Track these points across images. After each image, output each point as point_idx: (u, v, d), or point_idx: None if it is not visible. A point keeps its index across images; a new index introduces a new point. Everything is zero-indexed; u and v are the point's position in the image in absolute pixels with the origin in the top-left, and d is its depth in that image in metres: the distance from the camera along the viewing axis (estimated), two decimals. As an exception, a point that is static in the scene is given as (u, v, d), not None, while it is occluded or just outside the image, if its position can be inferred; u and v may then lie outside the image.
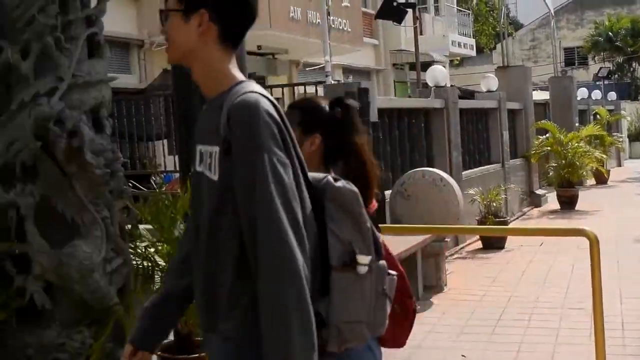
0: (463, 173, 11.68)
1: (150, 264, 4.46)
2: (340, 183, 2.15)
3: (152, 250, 4.44)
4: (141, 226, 4.56)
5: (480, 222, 11.02)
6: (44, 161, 3.61)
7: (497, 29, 33.08)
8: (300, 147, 2.53)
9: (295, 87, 12.03)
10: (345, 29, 21.33)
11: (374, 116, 8.60)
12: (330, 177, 2.17)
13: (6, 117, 3.72)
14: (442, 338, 6.44)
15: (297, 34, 18.60)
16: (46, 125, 3.53)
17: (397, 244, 6.96)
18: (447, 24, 28.94)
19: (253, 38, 13.66)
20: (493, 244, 10.58)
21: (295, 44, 19.33)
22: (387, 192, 8.65)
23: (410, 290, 2.78)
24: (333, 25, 19.61)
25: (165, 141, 13.54)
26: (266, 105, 2.03)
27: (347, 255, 2.10)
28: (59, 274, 3.67)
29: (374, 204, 2.80)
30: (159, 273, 4.49)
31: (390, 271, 2.25)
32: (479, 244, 10.91)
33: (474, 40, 33.07)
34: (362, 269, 2.10)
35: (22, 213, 3.65)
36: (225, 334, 2.08)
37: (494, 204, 11.13)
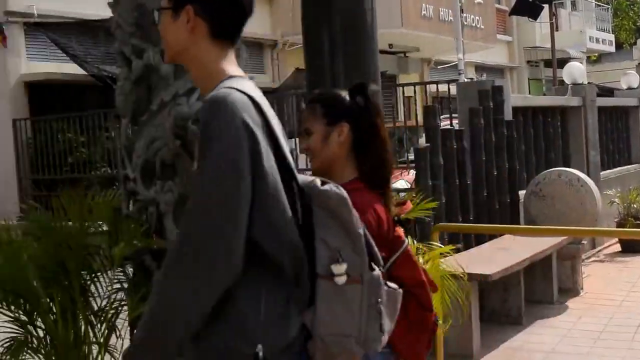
0: (601, 173, 11.28)
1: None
2: (328, 186, 1.98)
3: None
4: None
5: (619, 225, 10.60)
6: (182, 159, 3.71)
7: (638, 24, 31.76)
8: (326, 140, 2.50)
9: (427, 86, 11.91)
10: (478, 26, 21.01)
11: (508, 115, 8.41)
12: (318, 181, 2.01)
13: (147, 116, 3.84)
14: (578, 343, 6.22)
15: (429, 32, 18.47)
16: (185, 124, 3.63)
17: (532, 245, 6.80)
18: (584, 19, 28.05)
19: (384, 36, 13.62)
20: (633, 247, 10.16)
21: (427, 41, 19.19)
22: (522, 192, 8.45)
23: (430, 302, 2.59)
24: (466, 23, 19.37)
25: (296, 140, 13.71)
26: (237, 104, 1.90)
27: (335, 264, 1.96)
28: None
29: (408, 205, 2.68)
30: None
31: (391, 284, 2.06)
32: (618, 247, 10.50)
33: (613, 35, 31.90)
34: (340, 280, 1.92)
35: (162, 210, 3.76)
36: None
37: (634, 206, 10.69)
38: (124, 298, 3.72)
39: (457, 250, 5.27)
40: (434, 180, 6.89)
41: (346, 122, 2.50)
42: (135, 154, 3.91)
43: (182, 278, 1.87)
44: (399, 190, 7.12)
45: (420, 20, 18.14)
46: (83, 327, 3.59)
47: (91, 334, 3.60)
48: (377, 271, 1.97)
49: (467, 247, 6.95)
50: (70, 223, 3.67)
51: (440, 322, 2.77)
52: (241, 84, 1.98)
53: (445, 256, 4.69)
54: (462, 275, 4.53)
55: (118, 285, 3.69)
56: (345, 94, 2.57)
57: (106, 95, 15.10)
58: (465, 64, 17.78)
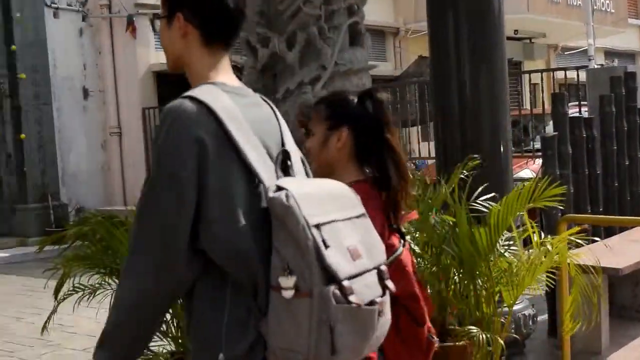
0: None
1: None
2: (276, 194, 1.82)
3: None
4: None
5: None
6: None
7: None
8: (326, 144, 2.47)
9: (554, 72, 11.56)
10: (609, 10, 20.27)
11: (641, 102, 8.07)
12: (274, 186, 1.85)
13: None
14: None
15: (557, 17, 17.94)
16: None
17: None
18: None
19: (510, 22, 13.31)
20: None
21: (554, 27, 18.65)
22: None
23: (423, 316, 2.46)
24: (595, 7, 18.71)
25: (419, 127, 13.60)
26: (188, 116, 1.88)
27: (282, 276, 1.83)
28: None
29: (413, 214, 2.52)
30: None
31: (354, 300, 1.81)
32: None
33: None
34: (287, 293, 1.79)
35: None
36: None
37: None
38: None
39: (589, 242, 5.08)
40: (561, 170, 6.68)
41: (347, 127, 2.46)
42: (261, 142, 3.95)
43: (128, 284, 1.94)
44: (522, 180, 6.94)
45: (548, 5, 17.64)
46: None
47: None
48: (333, 287, 1.79)
49: (594, 240, 6.71)
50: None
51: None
52: (207, 91, 1.96)
53: (571, 248, 4.54)
54: (590, 270, 4.37)
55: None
56: (352, 98, 2.52)
57: (231, 83, 15.45)
58: (595, 49, 17.19)
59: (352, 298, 1.80)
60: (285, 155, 1.99)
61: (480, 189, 4.02)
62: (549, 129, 7.45)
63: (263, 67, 3.98)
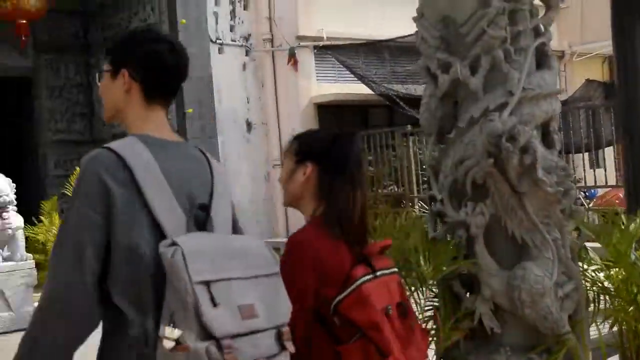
0: None
1: (598, 289, 4.11)
2: (164, 249, 1.93)
3: (601, 274, 4.08)
4: (588, 245, 4.23)
5: None
6: (495, 179, 3.47)
7: None
8: (293, 176, 2.62)
9: None
10: None
11: None
12: (168, 241, 1.96)
13: (455, 134, 3.65)
14: None
15: None
16: (498, 141, 3.39)
17: None
18: None
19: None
20: None
21: None
22: None
23: (387, 346, 2.40)
24: None
25: (586, 155, 12.98)
26: (99, 163, 2.05)
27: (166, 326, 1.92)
28: (509, 297, 3.51)
29: (387, 241, 2.66)
30: (608, 299, 4.13)
31: (228, 359, 1.86)
32: None
33: None
34: (167, 344, 1.87)
35: (472, 232, 3.54)
36: None
37: None
38: (433, 327, 3.55)
39: None
40: None
41: (312, 162, 2.59)
42: (443, 174, 3.73)
43: (39, 317, 2.05)
44: None
45: None
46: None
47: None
48: (209, 343, 1.86)
49: None
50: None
51: None
52: (127, 143, 2.11)
53: None
54: None
55: (429, 313, 3.52)
56: (325, 136, 2.66)
57: (391, 113, 15.34)
58: None
59: (227, 356, 1.86)
60: (203, 209, 2.12)
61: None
62: None
63: (444, 94, 3.76)
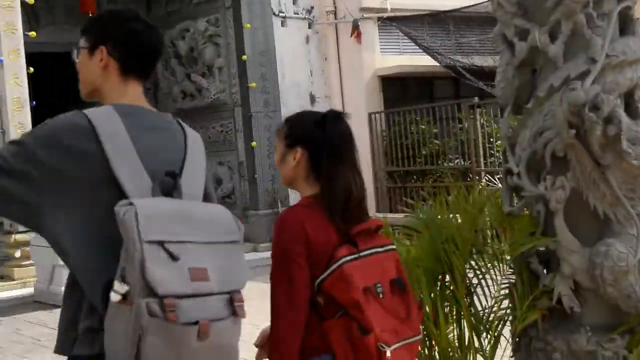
0: None
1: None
2: (118, 207, 1.99)
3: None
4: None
5: None
6: (576, 151, 3.30)
7: None
8: (284, 160, 2.70)
9: None
10: None
11: None
12: (125, 201, 2.02)
13: (533, 104, 3.48)
14: None
15: None
16: (580, 111, 3.22)
17: None
18: None
19: None
20: None
21: None
22: None
23: (369, 324, 2.46)
24: None
25: None
26: (71, 126, 2.12)
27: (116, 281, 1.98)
28: (590, 275, 3.35)
29: (359, 227, 2.62)
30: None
31: (170, 317, 1.92)
32: None
33: None
34: (114, 297, 1.93)
35: (551, 207, 3.38)
36: None
37: None
38: (509, 306, 3.41)
39: None
40: None
41: (301, 146, 2.66)
42: (520, 146, 3.57)
43: None
44: None
45: None
46: (467, 333, 3.33)
47: (476, 342, 3.33)
48: (152, 299, 1.91)
49: None
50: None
51: (391, 347, 2.46)
52: (102, 111, 2.17)
53: None
54: None
55: (505, 291, 3.38)
56: (313, 118, 2.71)
57: (456, 85, 15.08)
58: None
59: (169, 314, 1.91)
60: (173, 176, 2.15)
61: None
62: None
63: (521, 62, 3.59)
